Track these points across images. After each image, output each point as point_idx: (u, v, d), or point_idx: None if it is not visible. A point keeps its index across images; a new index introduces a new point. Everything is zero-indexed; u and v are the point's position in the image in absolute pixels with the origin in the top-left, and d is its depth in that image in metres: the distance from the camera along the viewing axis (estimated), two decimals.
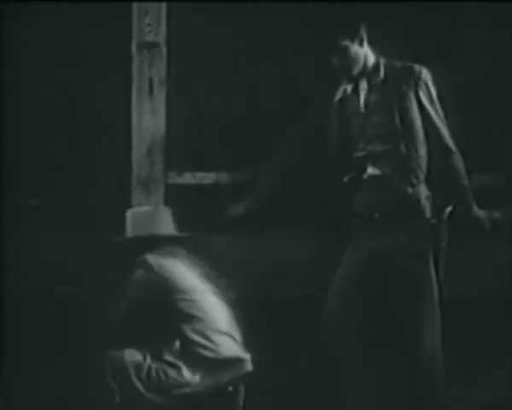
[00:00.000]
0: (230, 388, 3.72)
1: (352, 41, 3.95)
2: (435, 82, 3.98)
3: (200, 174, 4.42)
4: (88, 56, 4.38)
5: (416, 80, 3.96)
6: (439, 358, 3.90)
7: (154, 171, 4.41)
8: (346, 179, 4.03)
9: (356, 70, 3.98)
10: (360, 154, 4.00)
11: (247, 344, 3.81)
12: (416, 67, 3.99)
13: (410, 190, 3.93)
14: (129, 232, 3.84)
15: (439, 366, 3.91)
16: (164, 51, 4.46)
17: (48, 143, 4.36)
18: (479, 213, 3.98)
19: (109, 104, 4.41)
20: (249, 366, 3.75)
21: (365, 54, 4.00)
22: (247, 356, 3.76)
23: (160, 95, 4.44)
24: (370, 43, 3.98)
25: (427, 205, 3.95)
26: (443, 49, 4.51)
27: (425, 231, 3.91)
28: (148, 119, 4.40)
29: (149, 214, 3.89)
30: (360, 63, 3.98)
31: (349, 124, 4.03)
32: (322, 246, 4.22)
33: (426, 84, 3.97)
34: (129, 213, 3.90)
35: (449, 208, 3.96)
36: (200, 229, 4.17)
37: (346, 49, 3.93)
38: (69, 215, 4.33)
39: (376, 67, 4.01)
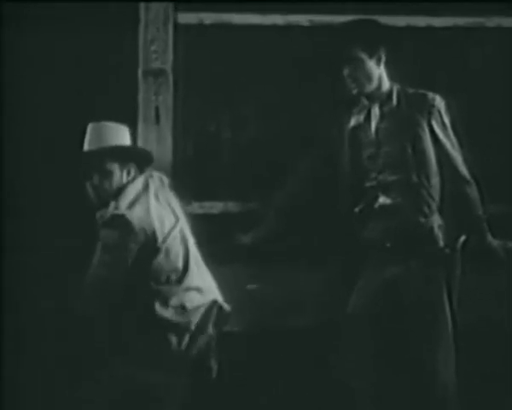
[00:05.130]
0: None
1: (370, 57, 3.92)
2: (449, 110, 3.96)
3: (207, 204, 4.39)
4: (92, 82, 4.34)
5: (430, 108, 3.94)
6: (452, 386, 3.88)
7: None
8: (357, 210, 4.00)
9: (368, 89, 3.95)
10: (371, 183, 3.98)
11: (255, 376, 3.80)
12: (430, 94, 3.97)
13: (422, 219, 3.90)
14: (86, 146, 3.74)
15: (453, 394, 3.89)
16: (170, 79, 4.43)
17: (49, 162, 4.33)
18: (493, 242, 3.95)
19: None
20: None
21: (380, 76, 3.98)
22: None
23: (167, 123, 4.41)
24: (387, 65, 3.97)
25: (440, 235, 3.92)
26: (453, 75, 4.52)
27: (438, 260, 3.89)
28: (155, 148, 4.35)
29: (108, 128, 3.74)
30: (373, 83, 3.95)
31: (360, 153, 4.01)
32: (333, 276, 4.18)
33: (439, 113, 3.95)
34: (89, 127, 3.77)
35: (462, 238, 3.93)
36: (207, 258, 4.03)
37: (361, 62, 3.91)
38: (70, 225, 4.28)
39: (390, 93, 3.98)
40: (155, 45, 4.40)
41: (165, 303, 3.59)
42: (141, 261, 3.57)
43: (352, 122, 4.03)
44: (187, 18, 4.46)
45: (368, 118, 4.00)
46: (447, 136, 3.95)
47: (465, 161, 3.95)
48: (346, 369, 3.91)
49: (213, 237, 4.20)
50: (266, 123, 4.49)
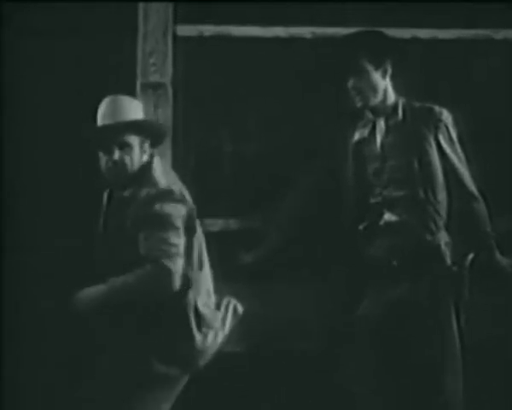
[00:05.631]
0: None
1: (376, 69, 3.87)
2: (456, 124, 3.91)
3: (208, 221, 4.27)
4: (92, 86, 4.24)
5: (437, 122, 3.89)
6: (460, 406, 3.84)
7: None
8: (361, 227, 3.94)
9: (373, 101, 3.90)
10: (376, 199, 3.93)
11: (258, 400, 3.77)
12: (437, 108, 3.91)
13: (429, 237, 3.84)
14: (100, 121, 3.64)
15: None
16: (169, 92, 4.38)
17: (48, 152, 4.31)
18: (501, 260, 3.89)
19: None
20: None
21: (386, 88, 3.93)
22: None
23: (166, 137, 4.18)
24: (393, 78, 3.93)
25: (447, 252, 3.86)
26: (459, 88, 4.49)
27: (446, 279, 3.84)
28: None
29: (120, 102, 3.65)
30: (378, 96, 3.91)
31: (365, 167, 3.96)
32: (337, 296, 4.12)
33: (446, 127, 3.90)
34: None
35: (470, 256, 3.88)
36: None
37: (366, 73, 3.86)
38: (70, 225, 4.24)
39: (395, 106, 3.93)
40: (154, 58, 4.36)
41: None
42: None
43: (357, 136, 3.99)
44: (186, 30, 4.43)
45: (373, 132, 3.95)
46: (454, 151, 3.90)
47: (472, 175, 3.91)
48: (353, 390, 3.88)
49: (214, 256, 4.02)
50: (268, 136, 4.45)
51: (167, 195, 3.51)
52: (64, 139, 4.19)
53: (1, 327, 4.09)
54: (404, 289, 3.81)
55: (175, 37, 4.40)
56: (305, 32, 4.44)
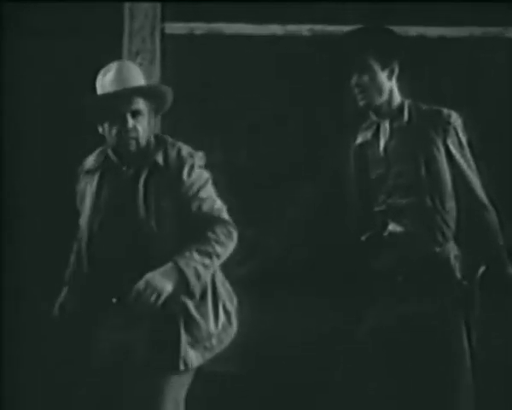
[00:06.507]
0: None
1: (383, 68, 3.75)
2: (465, 128, 3.77)
3: None
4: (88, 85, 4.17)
5: (445, 126, 3.74)
6: None
7: None
8: (363, 238, 3.80)
9: (377, 101, 3.76)
10: (380, 207, 3.77)
11: None
12: (445, 111, 3.77)
13: (436, 248, 3.70)
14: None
15: None
16: None
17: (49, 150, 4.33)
18: None
19: None
20: None
21: (391, 89, 3.80)
22: None
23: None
24: (400, 80, 3.81)
25: (456, 266, 3.72)
26: (466, 89, 4.43)
27: (455, 294, 3.70)
28: None
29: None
30: (383, 96, 3.77)
31: (368, 173, 3.82)
32: (338, 311, 4.10)
33: (455, 131, 3.75)
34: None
35: (481, 269, 3.72)
36: None
37: (372, 71, 3.73)
38: (70, 225, 4.09)
39: (401, 108, 3.80)
40: (140, 58, 4.33)
41: None
42: None
43: (359, 139, 3.86)
44: (175, 28, 4.39)
45: (376, 134, 3.81)
46: (464, 156, 3.75)
47: (482, 183, 3.77)
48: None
49: None
50: (263, 141, 4.40)
51: (198, 158, 3.53)
52: (64, 139, 4.18)
53: (1, 327, 4.13)
54: (411, 306, 3.68)
55: (163, 35, 4.38)
56: (303, 29, 4.39)
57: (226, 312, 3.52)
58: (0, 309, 4.15)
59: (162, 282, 3.29)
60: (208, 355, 3.46)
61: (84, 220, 3.55)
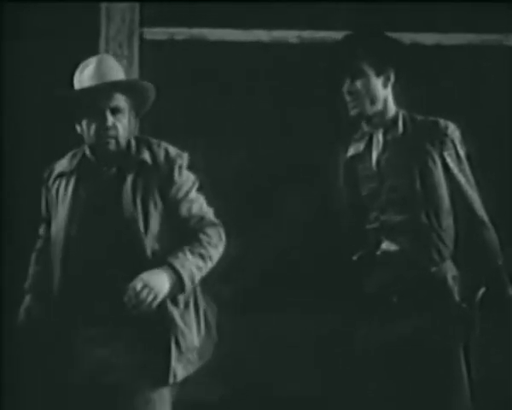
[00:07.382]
0: None
1: (377, 75, 3.63)
2: (464, 140, 3.66)
3: None
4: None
5: (442, 138, 3.60)
6: None
7: None
8: (355, 257, 3.68)
9: (370, 110, 3.64)
10: (373, 225, 3.66)
11: None
12: (442, 122, 3.64)
13: (432, 268, 3.57)
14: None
15: None
16: None
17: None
18: None
19: None
20: None
21: (386, 98, 3.67)
22: None
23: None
24: (395, 89, 3.71)
25: (454, 287, 3.59)
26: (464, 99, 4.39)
27: (454, 318, 3.58)
28: None
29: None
30: (377, 105, 3.65)
31: (359, 188, 3.70)
32: (329, 333, 4.06)
33: (453, 143, 3.62)
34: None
35: (481, 291, 3.60)
36: None
37: (365, 76, 3.62)
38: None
39: (395, 119, 3.68)
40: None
41: None
42: None
43: (351, 151, 3.74)
44: (155, 33, 4.36)
45: (369, 146, 3.69)
46: (462, 170, 3.63)
47: (482, 199, 3.65)
48: None
49: None
50: (248, 153, 4.36)
51: (185, 159, 3.48)
52: (64, 139, 4.00)
53: (1, 327, 4.13)
54: (406, 330, 3.56)
55: (142, 40, 4.33)
56: (290, 35, 4.35)
57: (207, 323, 3.46)
58: (0, 309, 4.15)
59: (159, 283, 3.21)
60: (191, 369, 3.37)
61: (59, 226, 3.41)
